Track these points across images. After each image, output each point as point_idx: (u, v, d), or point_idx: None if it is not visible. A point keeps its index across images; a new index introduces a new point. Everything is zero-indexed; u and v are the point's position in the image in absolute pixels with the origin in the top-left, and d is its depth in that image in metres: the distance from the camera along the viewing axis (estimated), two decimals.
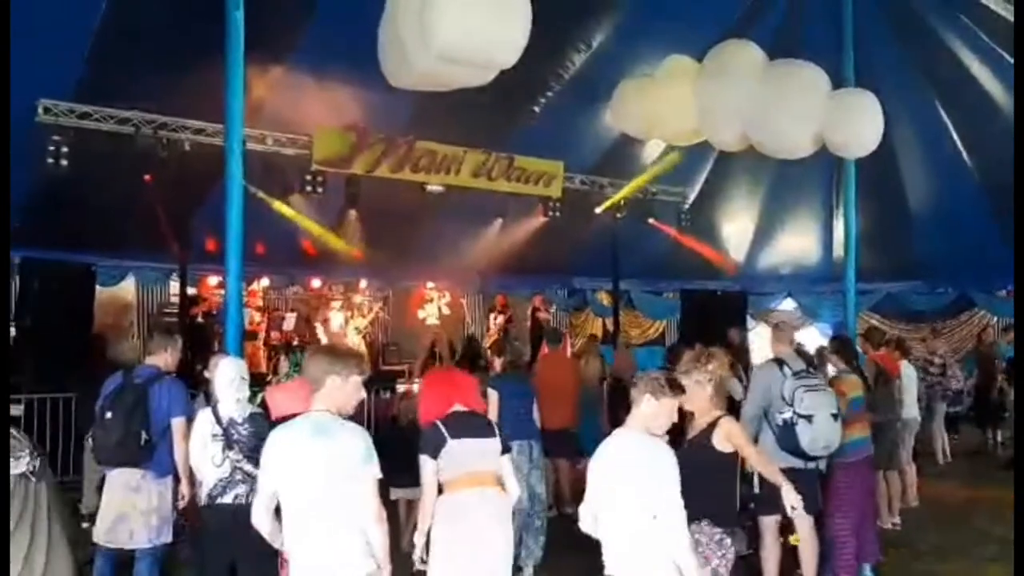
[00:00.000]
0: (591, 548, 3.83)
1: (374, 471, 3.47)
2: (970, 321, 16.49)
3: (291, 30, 9.29)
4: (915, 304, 16.42)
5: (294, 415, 3.75)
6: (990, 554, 6.97)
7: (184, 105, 9.65)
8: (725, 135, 7.89)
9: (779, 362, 5.92)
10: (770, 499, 5.61)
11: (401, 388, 12.56)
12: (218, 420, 4.74)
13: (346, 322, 14.56)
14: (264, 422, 4.77)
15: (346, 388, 3.58)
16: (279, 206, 11.02)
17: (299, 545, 3.44)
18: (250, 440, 4.64)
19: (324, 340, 13.79)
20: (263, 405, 5.35)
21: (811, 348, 7.47)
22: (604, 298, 16.90)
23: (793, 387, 5.67)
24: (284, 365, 13.53)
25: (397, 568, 3.61)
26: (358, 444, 3.46)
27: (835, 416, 5.66)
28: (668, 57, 8.17)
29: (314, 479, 3.40)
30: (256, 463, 4.57)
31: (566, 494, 8.51)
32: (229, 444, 4.68)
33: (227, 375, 4.84)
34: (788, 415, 5.61)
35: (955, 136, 13.00)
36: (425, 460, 4.24)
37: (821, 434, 5.58)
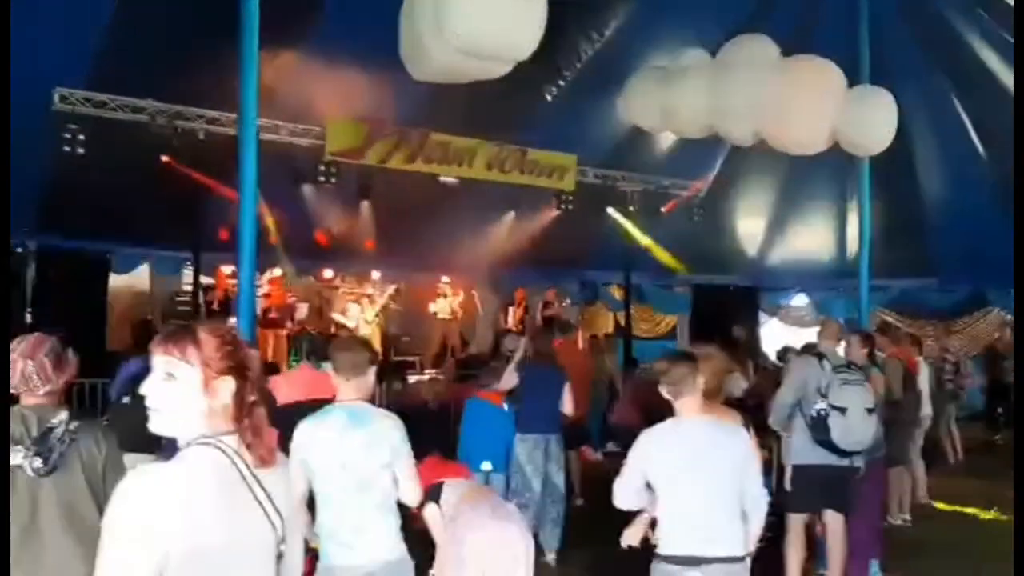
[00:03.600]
0: (608, 536, 3.91)
1: (410, 456, 3.57)
2: (984, 319, 16.35)
3: (305, 18, 9.31)
4: (929, 301, 16.29)
5: (296, 403, 3.76)
6: (1000, 553, 6.93)
7: (198, 94, 9.69)
8: (739, 130, 7.87)
9: (819, 355, 5.87)
10: (800, 497, 5.61)
11: (413, 379, 12.62)
12: None
13: (363, 312, 14.58)
14: None
15: (372, 378, 3.69)
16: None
17: (336, 533, 3.47)
18: None
19: (351, 326, 13.88)
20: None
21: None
22: (616, 292, 16.87)
23: (830, 379, 5.62)
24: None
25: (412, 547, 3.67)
26: (395, 431, 3.54)
27: (870, 411, 5.60)
28: (682, 51, 8.15)
29: (354, 467, 3.44)
30: None
31: (576, 485, 8.53)
32: None
33: None
34: (822, 406, 5.56)
35: (971, 131, 12.92)
36: None
37: (853, 428, 5.51)
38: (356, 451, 3.44)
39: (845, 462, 5.62)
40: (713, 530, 3.59)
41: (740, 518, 3.65)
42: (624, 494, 3.75)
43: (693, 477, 3.60)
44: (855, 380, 5.67)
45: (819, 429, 5.56)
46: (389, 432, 3.51)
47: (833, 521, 5.71)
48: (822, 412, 5.54)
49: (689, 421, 3.70)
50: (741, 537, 3.64)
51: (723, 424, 3.86)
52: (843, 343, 6.16)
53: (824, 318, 7.40)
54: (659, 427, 3.77)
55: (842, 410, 5.51)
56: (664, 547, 3.64)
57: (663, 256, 14.52)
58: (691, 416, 3.70)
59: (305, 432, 3.53)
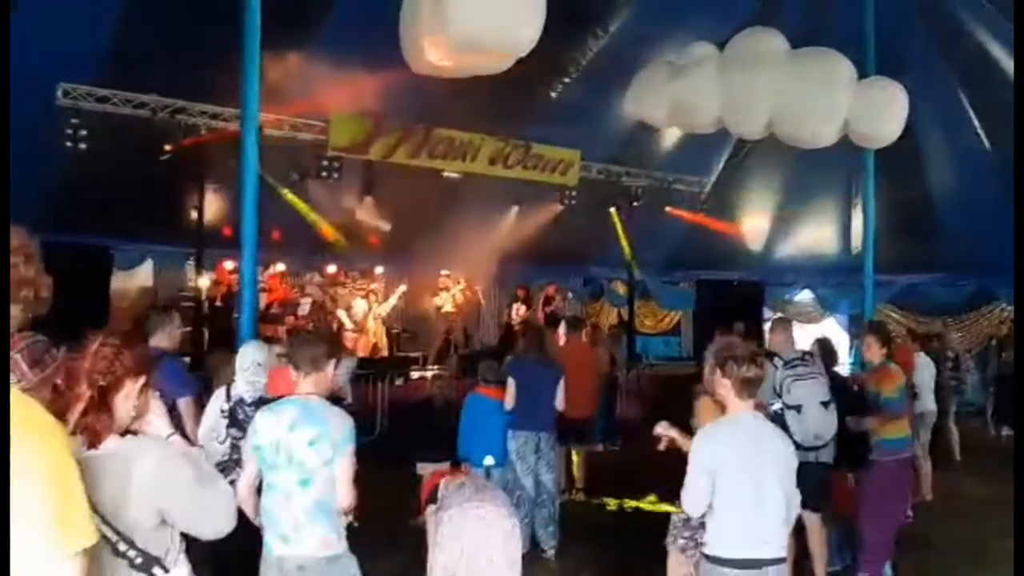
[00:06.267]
0: (606, 532, 3.85)
1: (351, 458, 3.49)
2: (990, 314, 16.25)
3: (310, 15, 9.26)
4: (935, 296, 16.20)
5: (281, 397, 3.75)
6: (1005, 549, 6.88)
7: (201, 89, 9.65)
8: (749, 125, 7.81)
9: (770, 355, 5.76)
10: None
11: (415, 375, 12.60)
12: (228, 397, 4.80)
13: (369, 308, 14.54)
14: None
15: (332, 373, 3.67)
16: (289, 195, 11.05)
17: (276, 523, 3.48)
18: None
19: (349, 326, 13.85)
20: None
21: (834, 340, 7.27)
22: (620, 288, 16.83)
23: (782, 378, 5.58)
24: None
25: (412, 541, 3.63)
26: (342, 430, 3.49)
27: (825, 404, 5.56)
28: (690, 45, 8.09)
29: (298, 462, 3.43)
30: None
31: (578, 481, 8.47)
32: (233, 422, 4.71)
33: (245, 359, 4.89)
34: (777, 406, 5.53)
35: (977, 125, 12.85)
36: None
37: (812, 424, 5.50)
38: (303, 446, 3.43)
39: (811, 457, 5.52)
40: (768, 532, 3.46)
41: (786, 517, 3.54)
42: (697, 502, 3.50)
43: (753, 476, 3.44)
44: (807, 375, 5.62)
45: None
46: (335, 431, 3.47)
47: (809, 518, 5.65)
48: (778, 412, 5.49)
49: (746, 417, 3.55)
50: (786, 536, 3.55)
51: (768, 422, 3.73)
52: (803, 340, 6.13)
53: (774, 318, 7.36)
54: (720, 424, 3.62)
55: (797, 408, 5.49)
56: (718, 549, 3.47)
57: (626, 248, 14.52)
58: (746, 412, 3.54)
59: (260, 421, 3.58)
